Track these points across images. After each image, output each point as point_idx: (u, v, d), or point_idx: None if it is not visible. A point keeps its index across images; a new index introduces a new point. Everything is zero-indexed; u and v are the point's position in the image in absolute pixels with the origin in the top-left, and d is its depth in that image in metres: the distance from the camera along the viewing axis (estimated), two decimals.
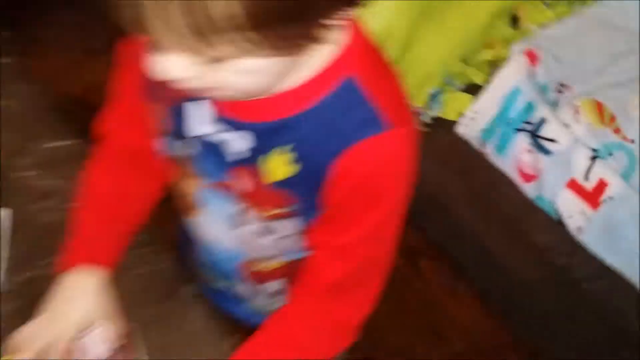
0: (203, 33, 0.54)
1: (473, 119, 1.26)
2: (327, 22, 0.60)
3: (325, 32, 0.60)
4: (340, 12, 0.60)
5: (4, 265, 0.89)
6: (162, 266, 0.92)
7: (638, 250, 1.13)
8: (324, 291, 0.77)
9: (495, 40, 1.32)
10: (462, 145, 1.33)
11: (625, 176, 1.16)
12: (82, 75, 1.85)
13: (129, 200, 0.83)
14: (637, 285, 1.17)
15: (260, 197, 0.74)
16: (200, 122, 0.72)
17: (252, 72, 0.60)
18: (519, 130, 1.23)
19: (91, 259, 0.79)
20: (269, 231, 0.77)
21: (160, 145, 0.78)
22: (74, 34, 1.92)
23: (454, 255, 1.55)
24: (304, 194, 0.72)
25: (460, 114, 1.31)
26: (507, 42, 1.32)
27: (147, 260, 0.91)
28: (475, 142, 1.28)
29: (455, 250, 1.54)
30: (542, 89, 1.25)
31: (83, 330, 0.80)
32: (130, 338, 0.82)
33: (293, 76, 0.65)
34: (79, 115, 1.16)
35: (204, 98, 0.70)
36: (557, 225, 1.23)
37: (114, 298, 0.80)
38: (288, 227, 0.76)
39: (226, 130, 0.70)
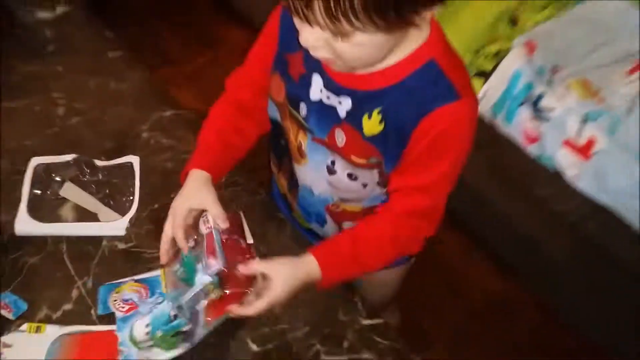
0: (335, 14, 0.71)
1: (485, 97, 1.44)
2: (423, 13, 0.76)
3: (421, 20, 0.76)
4: (431, 7, 0.76)
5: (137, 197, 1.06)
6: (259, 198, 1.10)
7: (622, 190, 1.30)
8: (405, 214, 0.91)
9: (499, 36, 1.50)
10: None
11: (610, 134, 1.33)
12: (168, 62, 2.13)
13: (234, 135, 1.00)
14: (625, 219, 1.33)
15: (353, 149, 0.91)
16: (317, 88, 0.90)
17: (363, 45, 0.76)
18: (522, 104, 1.41)
19: (202, 166, 0.95)
20: (354, 178, 0.94)
21: (280, 103, 0.96)
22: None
23: (469, 220, 1.68)
24: (387, 148, 0.89)
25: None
26: (509, 38, 1.49)
27: (249, 195, 1.09)
28: (487, 115, 1.45)
29: (471, 216, 1.69)
30: (539, 71, 1.41)
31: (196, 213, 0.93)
32: (237, 222, 0.95)
33: (392, 57, 0.83)
34: (171, 93, 1.40)
35: (322, 71, 0.88)
36: (556, 177, 1.39)
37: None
38: (368, 176, 0.93)
39: (335, 95, 0.88)
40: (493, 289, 1.72)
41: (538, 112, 1.38)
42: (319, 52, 0.78)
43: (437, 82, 0.82)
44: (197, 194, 0.91)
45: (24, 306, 0.94)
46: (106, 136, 1.11)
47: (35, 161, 1.05)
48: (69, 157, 1.05)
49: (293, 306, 0.94)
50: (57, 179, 1.04)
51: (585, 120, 1.34)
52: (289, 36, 0.85)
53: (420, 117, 0.82)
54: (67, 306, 0.94)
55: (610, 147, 1.31)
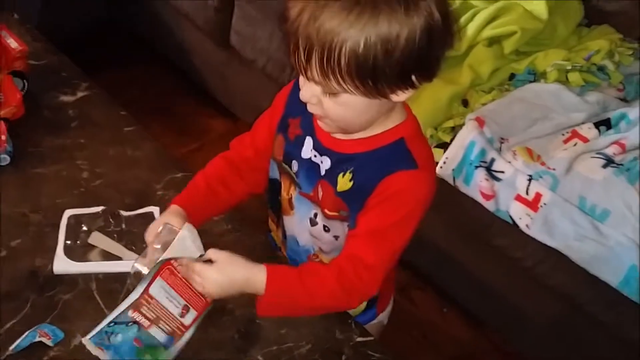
0: (326, 71, 0.85)
1: (446, 164, 1.60)
2: (397, 91, 0.89)
3: (394, 98, 0.89)
4: (404, 89, 0.89)
5: None
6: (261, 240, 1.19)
7: (568, 234, 1.47)
8: (352, 257, 0.97)
9: (454, 114, 1.70)
10: (440, 183, 1.59)
11: (552, 190, 1.51)
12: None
13: (220, 185, 1.10)
14: (573, 260, 1.48)
15: (327, 202, 1.02)
16: (307, 148, 1.02)
17: (346, 105, 0.90)
18: (477, 167, 1.58)
19: (180, 203, 1.05)
20: (327, 229, 1.05)
21: (279, 161, 1.07)
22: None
23: (436, 275, 1.80)
24: (353, 203, 0.99)
25: (436, 162, 1.63)
26: (462, 115, 1.69)
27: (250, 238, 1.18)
28: (449, 178, 1.61)
29: (437, 272, 1.79)
30: (490, 141, 1.59)
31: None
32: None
33: (370, 131, 0.96)
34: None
35: (313, 133, 1.01)
36: (512, 227, 1.55)
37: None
38: (340, 228, 1.04)
39: (319, 155, 1.01)
40: (464, 339, 1.83)
41: (491, 173, 1.55)
42: (313, 108, 0.93)
43: (402, 154, 0.96)
44: (161, 219, 1.03)
45: (61, 334, 1.03)
46: (126, 194, 1.23)
47: (68, 213, 1.16)
48: (97, 209, 1.17)
49: (297, 326, 1.06)
50: (85, 228, 1.16)
51: (530, 179, 1.52)
52: (294, 104, 1.01)
53: (382, 177, 0.95)
54: None
55: (554, 200, 1.49)
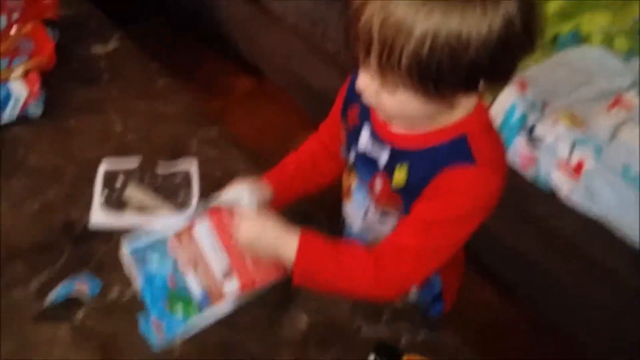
0: (385, 67, 0.80)
1: None
2: (460, 96, 0.85)
3: (457, 102, 0.85)
4: (468, 94, 0.84)
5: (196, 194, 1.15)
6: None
7: (610, 203, 1.46)
8: (394, 246, 0.94)
9: None
10: None
11: (596, 157, 1.49)
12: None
13: (311, 167, 1.11)
14: (614, 231, 1.47)
15: (384, 196, 0.98)
16: (364, 139, 0.99)
17: (402, 103, 0.85)
18: (518, 133, 1.57)
19: (272, 181, 1.07)
20: (381, 222, 1.02)
21: (342, 150, 1.06)
22: None
23: (469, 247, 1.85)
24: (406, 200, 0.95)
25: None
26: None
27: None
28: None
29: (471, 242, 1.84)
30: (531, 105, 1.58)
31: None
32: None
33: (431, 125, 0.91)
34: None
35: (370, 124, 0.97)
36: (551, 197, 1.54)
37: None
38: (392, 222, 1.00)
39: (377, 147, 0.97)
40: (494, 308, 1.83)
41: (532, 139, 1.54)
42: (368, 98, 0.89)
43: (460, 150, 0.91)
44: (239, 187, 1.03)
45: (99, 284, 1.05)
46: (159, 149, 1.24)
47: (104, 165, 1.17)
48: (134, 160, 1.18)
49: None
50: (121, 182, 1.16)
51: (573, 145, 1.51)
52: (352, 92, 0.97)
53: (436, 173, 0.91)
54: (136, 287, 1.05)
55: (597, 168, 1.47)
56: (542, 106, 1.59)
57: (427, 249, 0.93)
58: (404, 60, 0.78)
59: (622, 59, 1.73)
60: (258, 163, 1.24)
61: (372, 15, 0.78)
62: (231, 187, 1.04)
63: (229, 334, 1.01)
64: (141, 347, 0.98)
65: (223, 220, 1.01)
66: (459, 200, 0.90)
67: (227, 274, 1.00)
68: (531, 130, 1.56)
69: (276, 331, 1.02)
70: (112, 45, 1.45)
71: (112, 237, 1.10)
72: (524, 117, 1.57)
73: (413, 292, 1.10)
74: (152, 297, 0.98)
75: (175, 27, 2.55)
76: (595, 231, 1.49)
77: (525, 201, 1.58)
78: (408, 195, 0.94)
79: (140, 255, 1.00)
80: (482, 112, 0.94)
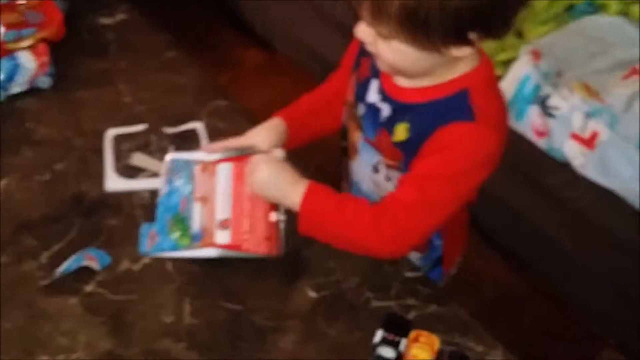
0: (377, 16, 0.82)
1: None
2: (453, 47, 0.84)
3: (455, 52, 0.84)
4: (460, 46, 0.84)
5: None
6: None
7: (624, 174, 1.46)
8: (393, 200, 0.95)
9: (507, 46, 1.66)
10: None
11: (611, 128, 1.48)
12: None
13: (324, 108, 1.12)
14: (628, 202, 1.47)
15: (387, 151, 0.99)
16: (373, 92, 0.99)
17: (398, 52, 0.86)
18: (531, 103, 1.56)
19: (281, 116, 1.08)
20: (387, 178, 1.02)
21: (349, 105, 1.06)
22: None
23: (480, 218, 1.82)
24: (407, 154, 0.96)
25: None
26: (515, 48, 1.65)
27: None
28: None
29: (480, 211, 1.84)
30: (545, 75, 1.56)
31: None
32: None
33: (433, 79, 0.91)
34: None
35: (378, 77, 0.97)
36: (564, 167, 1.53)
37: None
38: (396, 179, 1.00)
39: (381, 101, 0.98)
40: (505, 281, 1.83)
41: (546, 109, 1.53)
42: (368, 46, 0.90)
43: (461, 105, 0.91)
44: (255, 130, 1.06)
45: (108, 258, 1.05)
46: (169, 120, 1.22)
47: (111, 133, 1.18)
48: (141, 127, 1.18)
49: (345, 259, 1.05)
50: (128, 148, 1.17)
51: (588, 116, 1.49)
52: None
53: (436, 128, 0.91)
54: (146, 260, 1.05)
55: (612, 139, 1.46)
56: (556, 76, 1.57)
57: (423, 204, 0.93)
58: (394, 9, 0.80)
59: (638, 28, 1.70)
60: None
61: None
62: (253, 132, 1.06)
63: (236, 306, 1.01)
64: (151, 318, 0.99)
65: (244, 170, 1.03)
66: (456, 156, 0.91)
67: (223, 225, 1.01)
68: (545, 100, 1.54)
69: (284, 303, 1.02)
70: (120, 16, 1.42)
71: (122, 210, 1.11)
72: (537, 88, 1.55)
73: (415, 256, 1.11)
74: (163, 210, 1.05)
75: None
76: (608, 202, 1.48)
77: (538, 171, 1.58)
78: (409, 150, 0.95)
79: (177, 167, 1.06)
80: (486, 68, 0.94)
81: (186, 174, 1.06)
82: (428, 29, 0.81)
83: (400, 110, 0.96)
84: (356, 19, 0.88)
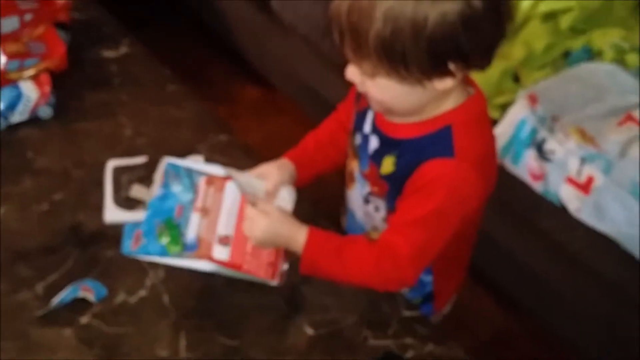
0: (358, 54, 0.86)
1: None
2: (435, 80, 0.87)
3: (437, 83, 0.87)
4: (441, 78, 0.86)
5: None
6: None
7: (619, 219, 1.46)
8: (387, 246, 0.97)
9: (504, 90, 1.69)
10: None
11: (606, 173, 1.49)
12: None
13: (330, 145, 1.13)
14: (623, 247, 1.47)
15: (374, 183, 1.02)
16: (368, 123, 1.02)
17: (384, 89, 0.89)
18: (528, 147, 1.57)
19: (290, 157, 1.10)
20: (377, 209, 1.05)
21: (349, 134, 1.08)
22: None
23: (474, 259, 1.84)
24: (395, 187, 0.98)
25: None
26: (512, 91, 1.67)
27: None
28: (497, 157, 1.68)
29: (476, 254, 1.83)
30: (541, 120, 1.58)
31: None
32: None
33: (420, 115, 0.94)
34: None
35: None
36: (560, 210, 1.54)
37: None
38: (383, 211, 1.03)
39: (372, 133, 1.01)
40: (498, 322, 1.83)
41: (542, 153, 1.54)
42: (358, 87, 0.93)
43: (442, 143, 0.93)
44: (268, 166, 1.07)
45: (104, 290, 1.05)
46: (169, 154, 1.21)
47: (111, 164, 1.16)
48: (141, 159, 1.17)
49: (342, 295, 1.07)
50: (127, 179, 1.16)
51: (583, 161, 1.51)
52: None
53: (419, 164, 0.93)
54: (142, 293, 1.05)
55: (606, 184, 1.47)
56: (552, 121, 1.59)
57: (416, 245, 0.95)
58: (371, 43, 0.83)
59: (633, 76, 1.74)
60: None
61: (340, 2, 0.85)
62: (264, 168, 1.06)
63: (232, 341, 1.01)
64: (146, 352, 0.99)
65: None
66: (434, 194, 0.93)
67: (223, 241, 1.00)
68: (541, 144, 1.56)
69: (280, 339, 1.02)
70: (123, 49, 1.45)
71: (119, 242, 1.11)
72: (534, 132, 1.57)
73: (404, 290, 1.11)
74: (153, 212, 1.01)
75: (185, 33, 2.56)
76: (603, 246, 1.49)
77: (534, 214, 1.58)
78: (395, 183, 0.97)
79: (174, 172, 1.04)
80: (476, 103, 0.96)
81: (188, 182, 1.03)
82: (405, 59, 0.84)
83: (388, 144, 0.98)
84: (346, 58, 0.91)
